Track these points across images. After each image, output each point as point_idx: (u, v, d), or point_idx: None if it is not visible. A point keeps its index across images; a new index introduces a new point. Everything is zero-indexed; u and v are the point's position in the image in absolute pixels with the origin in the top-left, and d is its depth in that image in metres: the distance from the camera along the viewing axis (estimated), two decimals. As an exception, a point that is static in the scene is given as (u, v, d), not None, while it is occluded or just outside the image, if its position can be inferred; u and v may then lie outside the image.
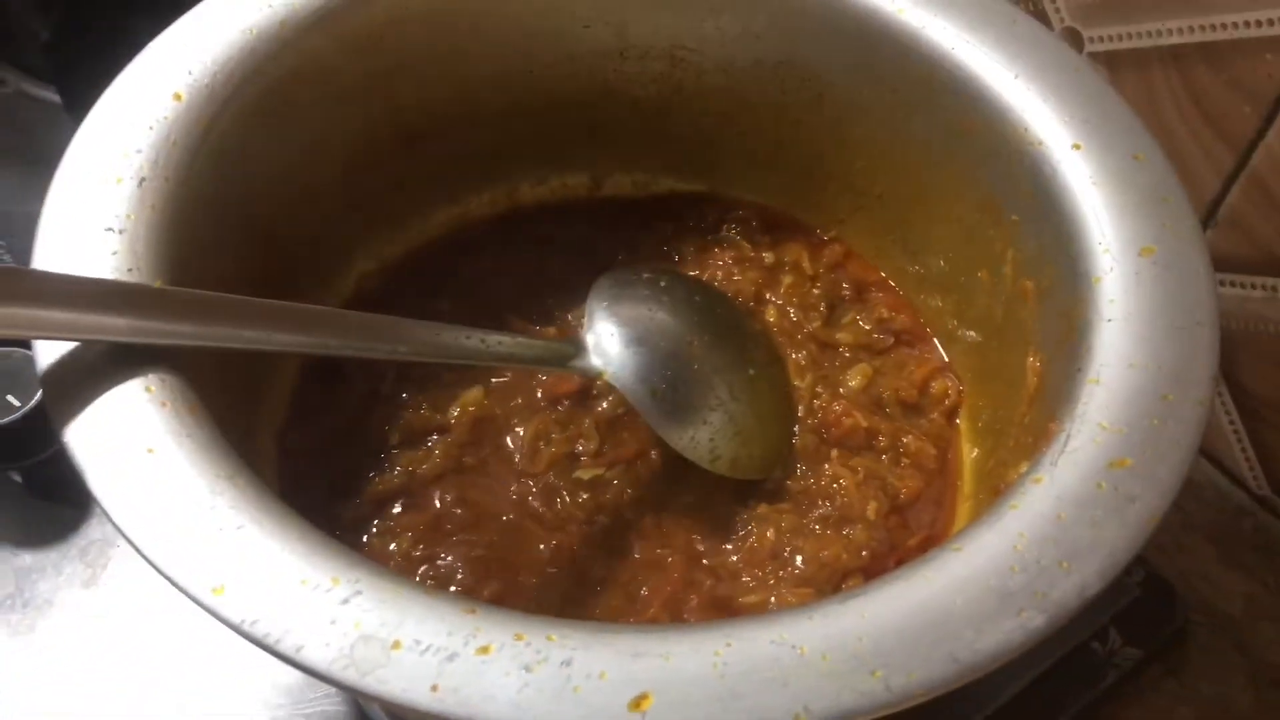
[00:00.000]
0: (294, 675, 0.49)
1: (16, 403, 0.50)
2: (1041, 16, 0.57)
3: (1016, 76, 0.43)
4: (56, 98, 0.68)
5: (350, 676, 0.27)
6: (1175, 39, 0.52)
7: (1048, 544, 0.30)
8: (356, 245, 0.52)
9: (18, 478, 0.53)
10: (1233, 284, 0.55)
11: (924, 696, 0.28)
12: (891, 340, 0.51)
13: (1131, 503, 0.31)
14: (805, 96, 0.50)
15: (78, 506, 0.53)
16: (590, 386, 0.47)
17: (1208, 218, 0.55)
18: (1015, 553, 0.30)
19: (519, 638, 0.28)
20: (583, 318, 0.47)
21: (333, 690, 0.49)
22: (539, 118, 0.53)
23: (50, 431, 0.51)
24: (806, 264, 0.54)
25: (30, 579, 0.51)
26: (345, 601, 0.28)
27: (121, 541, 0.52)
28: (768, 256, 0.54)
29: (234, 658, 0.49)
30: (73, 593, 0.50)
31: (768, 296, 0.53)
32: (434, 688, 0.27)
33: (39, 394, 0.50)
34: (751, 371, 0.47)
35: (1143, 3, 0.52)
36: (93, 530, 0.52)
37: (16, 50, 0.70)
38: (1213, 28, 0.50)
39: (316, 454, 0.46)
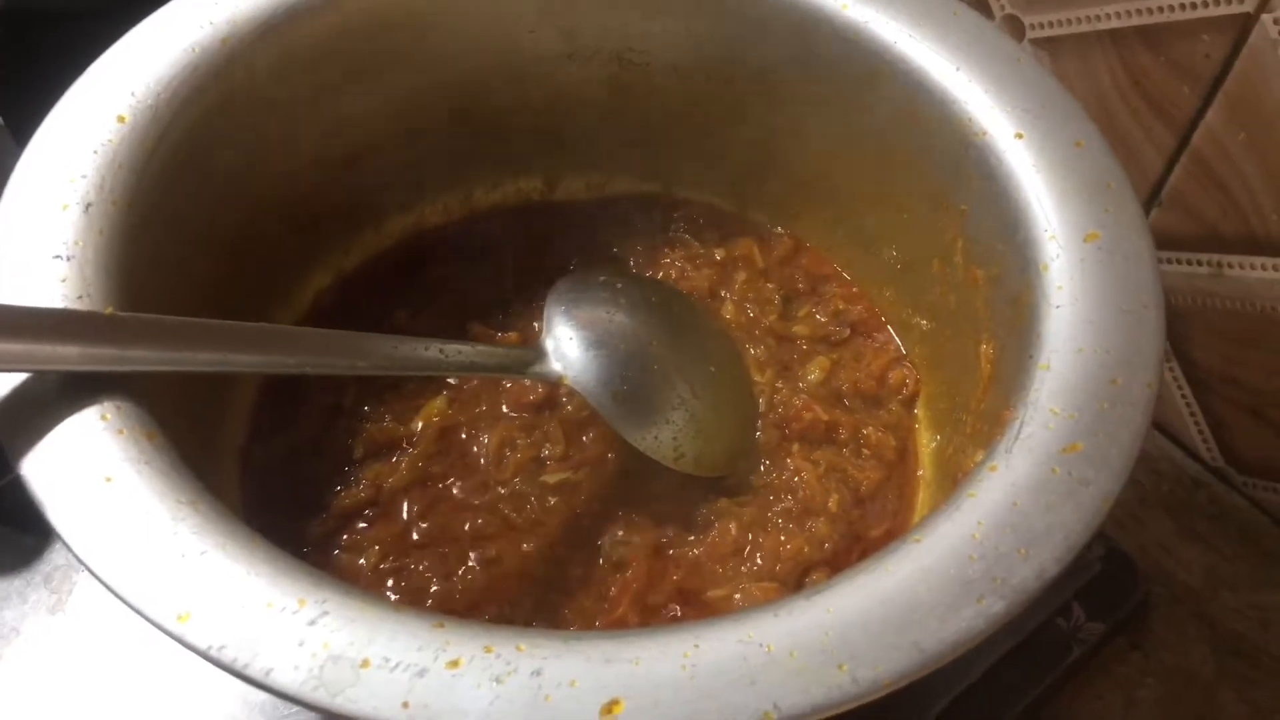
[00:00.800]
0: (264, 694, 0.49)
1: (-29, 432, 0.49)
2: (982, 4, 0.57)
3: (959, 69, 0.43)
4: (0, 120, 0.66)
5: (320, 697, 0.27)
6: (1114, 22, 0.53)
7: (1005, 531, 0.31)
8: (312, 259, 0.51)
9: (-24, 507, 0.53)
10: (1179, 261, 0.56)
11: (891, 687, 0.28)
12: (848, 332, 0.52)
13: (1085, 486, 0.32)
14: (754, 93, 0.51)
15: (40, 533, 0.52)
16: (554, 391, 0.48)
17: (1152, 198, 0.56)
18: (974, 541, 0.31)
19: (488, 650, 0.28)
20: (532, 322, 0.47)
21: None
22: (490, 124, 0.53)
23: (6, 459, 0.51)
24: (757, 257, 0.55)
25: (-6, 608, 0.50)
26: (313, 622, 0.28)
27: (86, 567, 0.52)
28: (719, 253, 0.55)
29: (204, 678, 0.48)
30: (39, 620, 0.50)
31: (722, 293, 0.53)
32: (405, 705, 0.27)
33: (-6, 422, 0.49)
34: (712, 369, 0.47)
35: (1081, -13, 0.53)
36: (56, 556, 0.52)
37: (-44, 73, 0.69)
38: (1150, 11, 0.51)
39: (280, 470, 0.45)
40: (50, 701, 0.48)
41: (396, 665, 0.28)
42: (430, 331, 0.42)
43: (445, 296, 0.52)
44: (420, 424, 0.47)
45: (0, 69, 0.67)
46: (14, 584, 0.51)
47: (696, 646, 0.29)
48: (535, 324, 0.50)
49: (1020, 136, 0.41)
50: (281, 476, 0.45)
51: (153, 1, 0.56)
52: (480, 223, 0.56)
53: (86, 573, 0.50)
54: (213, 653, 0.28)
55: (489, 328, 0.50)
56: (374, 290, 0.52)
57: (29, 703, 0.48)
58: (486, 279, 0.53)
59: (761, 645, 0.29)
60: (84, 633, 0.50)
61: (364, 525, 0.44)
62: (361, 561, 0.43)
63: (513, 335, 0.50)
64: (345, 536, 0.44)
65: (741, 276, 0.54)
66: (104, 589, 0.29)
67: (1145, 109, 0.54)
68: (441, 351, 0.41)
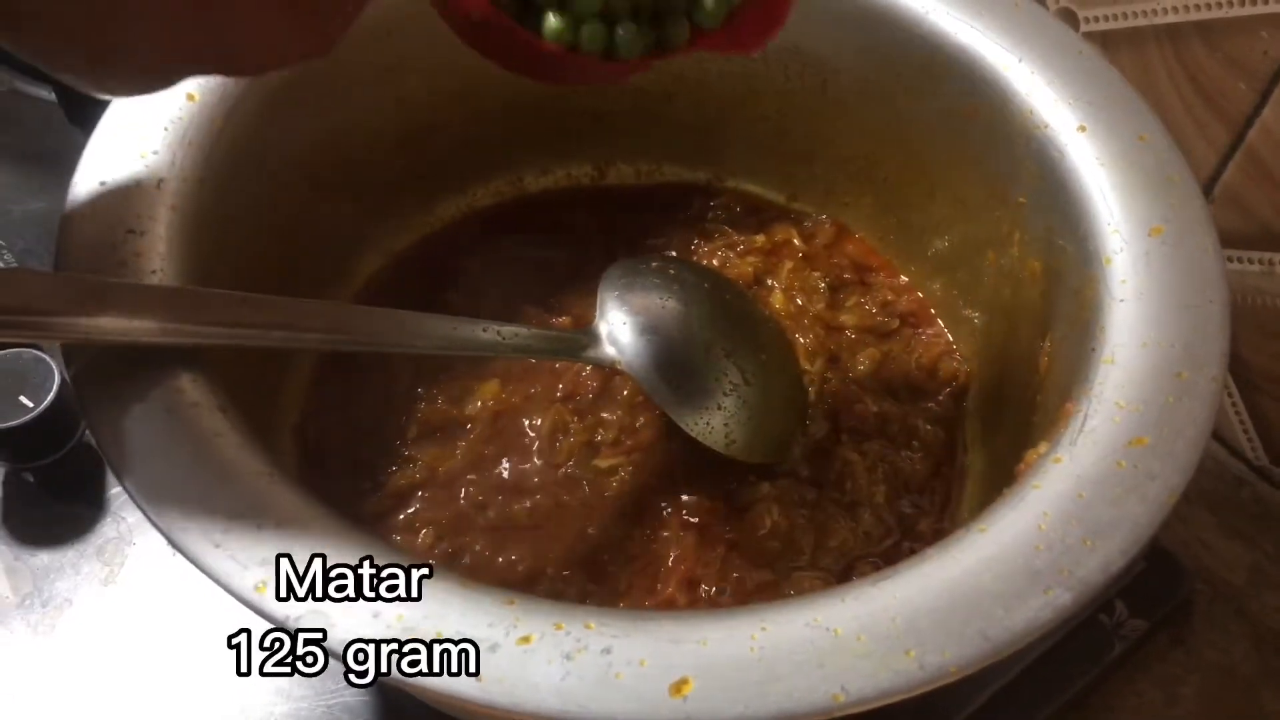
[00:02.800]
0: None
1: (29, 403, 0.50)
2: (1038, -3, 0.57)
3: (1021, 60, 0.43)
4: (52, 96, 0.67)
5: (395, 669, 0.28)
6: (1171, 18, 0.53)
7: (1071, 522, 0.31)
8: (366, 238, 0.52)
9: (30, 478, 0.53)
10: (1230, 259, 0.56)
11: (957, 674, 0.28)
12: (897, 323, 0.52)
13: (1151, 480, 0.32)
14: (809, 82, 0.51)
15: (92, 505, 0.53)
16: (606, 376, 0.48)
17: (1205, 194, 0.55)
18: (1040, 532, 0.31)
19: (559, 627, 0.29)
20: (593, 305, 0.47)
21: (354, 681, 0.49)
22: (543, 108, 0.53)
23: (63, 431, 0.52)
24: (798, 242, 0.54)
25: (49, 578, 0.51)
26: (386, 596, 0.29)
27: (138, 539, 0.52)
28: (760, 239, 0.55)
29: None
30: (92, 591, 0.50)
31: (769, 281, 0.53)
32: (479, 678, 0.27)
33: (51, 395, 0.50)
34: (763, 356, 0.47)
35: (1138, -18, 0.53)
36: (108, 529, 0.52)
37: (10, 48, 0.70)
38: (1208, 6, 0.51)
39: (334, 448, 0.46)
40: (104, 671, 0.48)
41: (469, 640, 0.28)
42: (480, 313, 0.43)
43: (494, 280, 0.52)
44: (475, 406, 0.47)
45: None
46: (67, 555, 0.52)
47: (764, 629, 0.29)
48: (579, 309, 0.51)
49: (1083, 129, 0.41)
50: (336, 454, 0.46)
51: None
52: (530, 207, 0.56)
53: (140, 541, 0.51)
54: (290, 623, 0.28)
55: (543, 312, 0.50)
56: (425, 271, 0.53)
57: (81, 672, 0.48)
58: (535, 263, 0.54)
59: (829, 629, 0.29)
60: (136, 604, 0.50)
61: (418, 506, 0.45)
62: (418, 541, 0.43)
63: (564, 319, 0.50)
64: (399, 516, 0.44)
65: (788, 265, 0.54)
66: (183, 558, 0.29)
67: (1200, 105, 0.54)
68: (499, 334, 0.41)
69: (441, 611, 0.29)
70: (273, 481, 0.31)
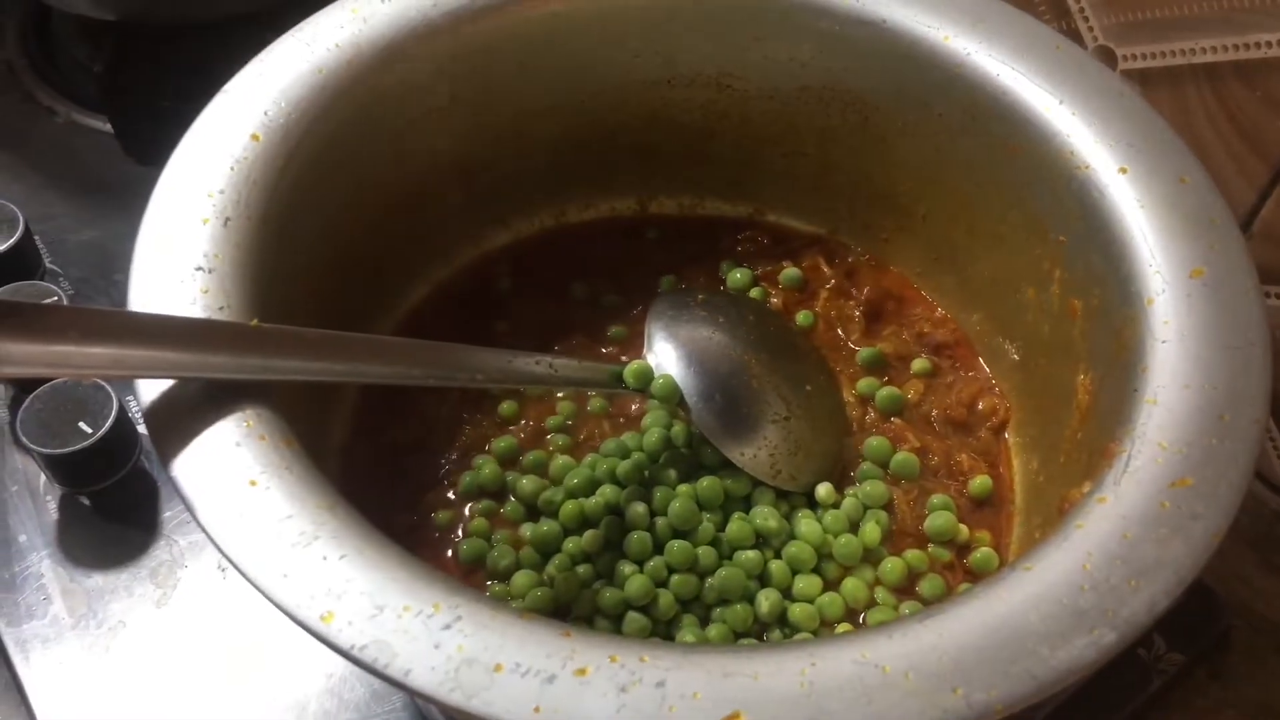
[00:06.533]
0: (359, 691, 0.50)
1: (88, 429, 0.51)
2: (1074, 35, 0.58)
3: (1062, 102, 0.44)
4: (108, 127, 0.69)
5: (456, 699, 0.29)
6: (1209, 57, 0.53)
7: (1116, 563, 0.32)
8: (414, 271, 0.53)
9: (86, 501, 0.55)
10: (1267, 294, 0.56)
11: (1004, 713, 0.29)
12: (935, 356, 0.52)
13: (1195, 521, 0.32)
14: (850, 120, 0.51)
15: (146, 529, 0.54)
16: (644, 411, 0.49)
17: (1242, 230, 0.56)
18: (1085, 571, 0.31)
19: (613, 659, 0.29)
20: (637, 337, 0.48)
21: (398, 705, 0.50)
22: (588, 144, 0.54)
23: (119, 457, 0.53)
24: (827, 270, 0.55)
25: (103, 600, 0.52)
26: (447, 627, 0.30)
27: (190, 562, 0.54)
28: (792, 269, 0.55)
29: (301, 671, 0.50)
30: (145, 613, 0.52)
31: (806, 311, 0.54)
32: (536, 709, 0.28)
33: (110, 421, 0.51)
34: (808, 387, 0.48)
35: (1176, 22, 0.53)
36: (161, 552, 0.54)
37: (69, 81, 0.72)
38: (1247, 46, 0.51)
39: (378, 478, 0.47)
40: (157, 693, 0.49)
41: (527, 671, 0.29)
42: (524, 346, 0.44)
43: (537, 312, 0.53)
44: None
45: (109, 78, 0.70)
46: (121, 578, 0.53)
47: (813, 664, 0.30)
48: (624, 341, 0.52)
49: (1124, 171, 0.42)
50: (378, 484, 0.47)
51: (253, 18, 0.58)
52: (573, 239, 0.57)
53: (192, 565, 0.52)
54: (354, 653, 0.29)
55: (586, 343, 0.51)
56: (469, 303, 0.53)
57: (135, 693, 0.49)
58: (578, 295, 0.55)
59: (877, 666, 0.29)
60: (188, 627, 0.51)
61: (456, 533, 0.46)
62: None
63: (610, 351, 0.51)
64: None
65: (822, 295, 0.55)
66: (252, 588, 0.30)
67: (1238, 142, 0.54)
68: (551, 366, 0.42)
69: (500, 642, 0.29)
70: (335, 515, 0.32)
